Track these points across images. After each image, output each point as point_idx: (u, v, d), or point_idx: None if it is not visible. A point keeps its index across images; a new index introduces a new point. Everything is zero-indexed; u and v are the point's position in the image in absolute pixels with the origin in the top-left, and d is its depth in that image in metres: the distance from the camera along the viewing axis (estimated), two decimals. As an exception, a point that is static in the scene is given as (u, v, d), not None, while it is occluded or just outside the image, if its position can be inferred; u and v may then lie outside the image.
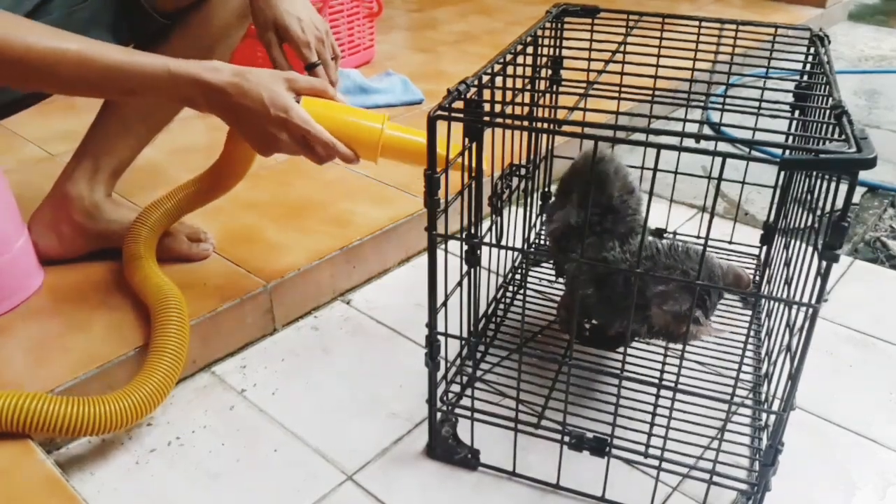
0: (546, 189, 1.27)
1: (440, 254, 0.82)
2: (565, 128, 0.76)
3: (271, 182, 1.46)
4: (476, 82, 0.82)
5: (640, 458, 0.87)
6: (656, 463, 0.85)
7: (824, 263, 0.70)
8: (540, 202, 1.27)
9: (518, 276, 1.24)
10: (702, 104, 1.79)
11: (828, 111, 0.76)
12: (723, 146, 0.96)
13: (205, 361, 1.09)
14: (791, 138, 0.84)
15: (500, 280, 1.19)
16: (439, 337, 0.87)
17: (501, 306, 1.17)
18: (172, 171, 1.50)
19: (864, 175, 1.74)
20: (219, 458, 0.94)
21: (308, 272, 1.19)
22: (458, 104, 0.79)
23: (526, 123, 0.90)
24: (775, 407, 0.81)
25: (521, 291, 1.22)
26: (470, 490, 0.90)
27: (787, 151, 0.79)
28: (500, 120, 0.78)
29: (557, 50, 1.15)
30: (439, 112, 0.76)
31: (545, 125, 0.85)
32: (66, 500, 0.81)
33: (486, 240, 0.90)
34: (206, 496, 0.89)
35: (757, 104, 0.88)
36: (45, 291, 1.11)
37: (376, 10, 2.11)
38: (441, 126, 0.76)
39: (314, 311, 1.23)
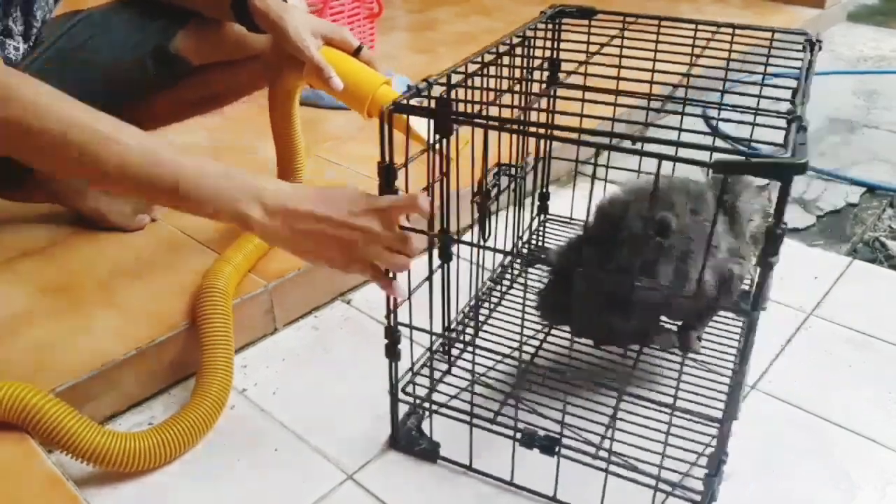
0: (543, 190, 1.27)
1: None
2: (523, 128, 0.75)
3: (271, 182, 1.46)
4: (442, 80, 0.81)
5: (590, 459, 0.85)
6: (605, 465, 0.83)
7: (764, 271, 0.67)
8: (538, 203, 1.27)
9: (499, 278, 1.22)
10: (697, 108, 1.78)
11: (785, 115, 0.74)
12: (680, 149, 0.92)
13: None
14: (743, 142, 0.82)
15: (483, 278, 1.16)
16: (419, 330, 0.86)
17: (488, 305, 1.15)
18: (173, 171, 1.50)
19: (863, 175, 1.74)
20: (219, 458, 0.94)
21: (308, 272, 1.19)
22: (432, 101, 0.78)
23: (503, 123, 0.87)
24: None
25: (500, 290, 1.20)
26: (470, 489, 0.90)
27: (757, 154, 0.75)
28: (462, 119, 0.76)
29: (555, 52, 1.13)
30: (393, 106, 0.75)
31: (539, 127, 0.84)
32: (68, 500, 0.82)
33: (469, 237, 0.89)
34: (207, 495, 0.89)
35: (753, 110, 0.86)
36: (48, 291, 1.11)
37: (377, 11, 2.11)
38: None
39: (314, 310, 1.23)
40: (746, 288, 1.06)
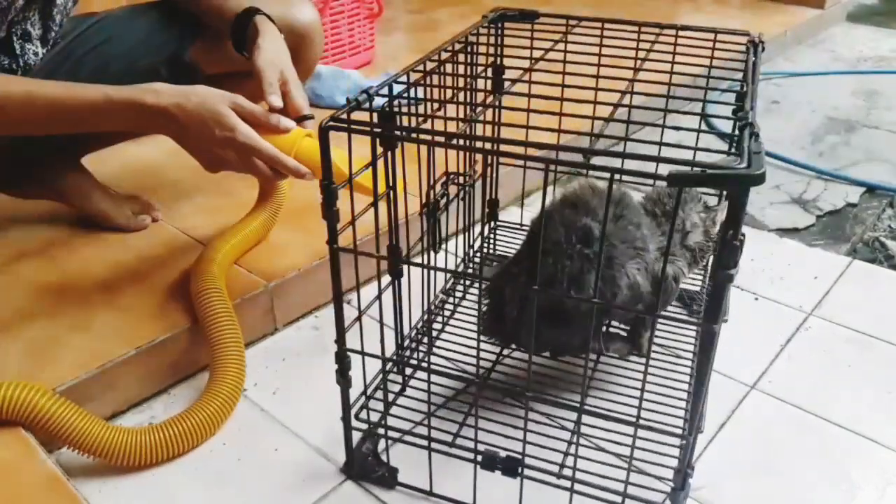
0: (492, 197, 1.23)
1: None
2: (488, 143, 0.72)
3: (271, 182, 1.46)
4: (382, 91, 0.78)
5: (554, 479, 0.83)
6: (569, 484, 0.81)
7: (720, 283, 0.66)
8: (488, 210, 1.24)
9: (449, 294, 1.17)
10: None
11: (734, 122, 0.72)
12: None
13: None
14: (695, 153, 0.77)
15: (435, 290, 1.09)
16: (370, 356, 0.84)
17: (438, 322, 1.12)
18: (172, 171, 1.50)
19: (862, 175, 1.74)
20: (220, 458, 0.94)
21: (308, 272, 1.20)
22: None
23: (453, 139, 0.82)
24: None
25: (453, 301, 1.16)
26: (468, 485, 0.90)
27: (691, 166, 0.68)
28: (404, 133, 0.74)
29: (499, 59, 1.09)
30: (331, 123, 0.72)
31: (487, 141, 0.80)
32: (68, 499, 0.82)
33: (419, 250, 0.85)
34: (207, 495, 0.89)
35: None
36: (48, 291, 1.11)
37: (377, 11, 2.11)
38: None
39: (315, 310, 1.23)
40: (691, 288, 1.04)
